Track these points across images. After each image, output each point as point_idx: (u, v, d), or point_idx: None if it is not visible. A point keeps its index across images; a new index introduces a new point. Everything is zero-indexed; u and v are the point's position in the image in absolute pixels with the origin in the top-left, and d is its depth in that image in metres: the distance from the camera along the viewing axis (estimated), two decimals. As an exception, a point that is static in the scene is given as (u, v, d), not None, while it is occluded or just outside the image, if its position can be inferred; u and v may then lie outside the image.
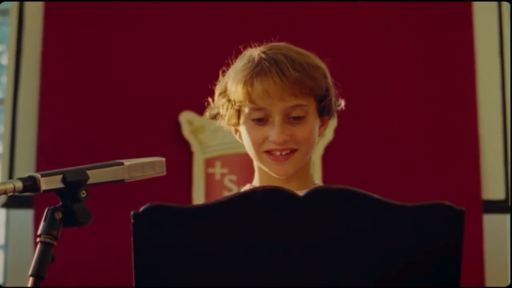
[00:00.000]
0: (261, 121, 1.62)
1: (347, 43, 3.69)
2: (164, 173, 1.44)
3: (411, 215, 1.12)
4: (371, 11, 3.72)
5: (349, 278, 1.12)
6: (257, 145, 1.63)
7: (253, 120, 1.63)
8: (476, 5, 3.76)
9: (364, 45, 3.71)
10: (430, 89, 3.71)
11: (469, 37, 3.73)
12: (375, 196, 1.11)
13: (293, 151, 1.63)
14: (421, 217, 1.12)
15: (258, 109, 1.61)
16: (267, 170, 1.65)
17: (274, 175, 1.65)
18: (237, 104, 1.63)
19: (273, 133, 1.61)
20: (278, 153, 1.62)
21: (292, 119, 1.62)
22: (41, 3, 3.65)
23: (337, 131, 3.52)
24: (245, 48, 1.70)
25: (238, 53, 1.70)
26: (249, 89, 1.60)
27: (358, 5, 3.71)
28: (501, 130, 3.70)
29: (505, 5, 3.75)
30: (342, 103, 1.72)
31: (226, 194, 3.47)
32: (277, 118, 1.61)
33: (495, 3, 3.76)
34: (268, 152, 1.63)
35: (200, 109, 3.48)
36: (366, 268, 1.12)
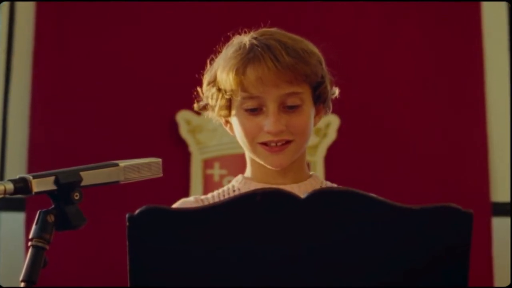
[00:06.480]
0: (255, 111, 1.57)
1: (353, 42, 3.67)
2: (161, 174, 1.42)
3: (418, 218, 1.10)
4: (377, 10, 3.70)
5: (352, 282, 1.10)
6: (250, 137, 1.59)
7: (246, 110, 1.58)
8: (484, 5, 3.74)
9: (370, 44, 3.70)
10: (437, 90, 3.69)
11: (478, 37, 3.71)
12: (380, 198, 1.09)
13: (288, 142, 1.58)
14: (428, 219, 1.10)
15: (252, 97, 1.56)
16: (261, 161, 1.61)
17: (268, 166, 1.60)
18: (228, 93, 1.58)
19: (268, 122, 1.56)
20: (273, 144, 1.58)
21: (287, 108, 1.57)
22: (33, 2, 3.63)
23: (340, 131, 3.49)
24: (233, 35, 1.66)
25: (226, 40, 1.66)
26: (242, 77, 1.55)
27: (365, 4, 3.69)
28: (510, 131, 3.68)
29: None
30: (336, 91, 1.67)
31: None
32: (271, 107, 1.56)
33: (504, 3, 3.74)
34: (263, 143, 1.58)
35: (198, 108, 3.47)
36: (370, 271, 1.11)
